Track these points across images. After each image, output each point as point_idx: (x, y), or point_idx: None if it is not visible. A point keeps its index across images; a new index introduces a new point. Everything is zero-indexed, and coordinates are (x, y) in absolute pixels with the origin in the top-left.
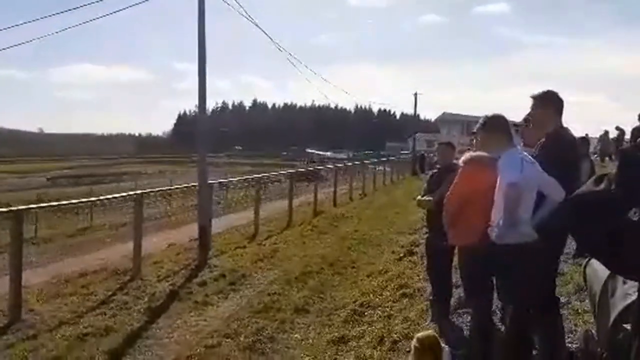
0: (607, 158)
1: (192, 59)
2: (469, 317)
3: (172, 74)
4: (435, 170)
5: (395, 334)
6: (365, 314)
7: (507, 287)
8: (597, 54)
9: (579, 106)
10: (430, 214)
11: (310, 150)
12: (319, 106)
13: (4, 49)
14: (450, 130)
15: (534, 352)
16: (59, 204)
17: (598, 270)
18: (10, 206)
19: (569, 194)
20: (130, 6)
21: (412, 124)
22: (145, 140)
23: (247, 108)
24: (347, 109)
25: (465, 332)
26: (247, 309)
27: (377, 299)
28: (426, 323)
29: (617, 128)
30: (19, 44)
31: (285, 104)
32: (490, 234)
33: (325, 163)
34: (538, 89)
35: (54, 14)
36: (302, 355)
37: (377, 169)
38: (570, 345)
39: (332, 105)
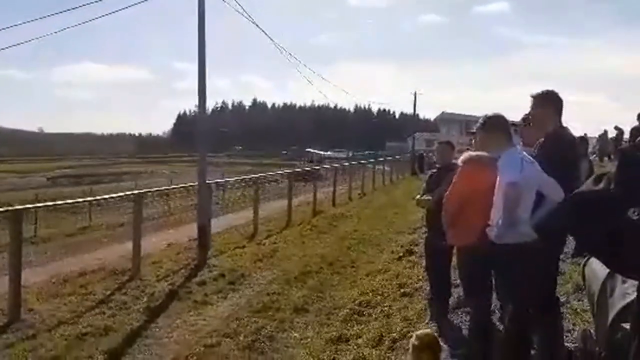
0: (605, 158)
1: (192, 59)
2: (468, 317)
3: (172, 73)
4: (434, 170)
5: (395, 333)
6: (365, 313)
7: (507, 286)
8: (597, 54)
9: (578, 106)
10: (429, 213)
11: (310, 150)
12: (318, 106)
13: (3, 48)
14: (449, 129)
15: (533, 352)
16: (58, 204)
17: (597, 270)
18: (11, 206)
19: (569, 194)
20: (130, 6)
21: (411, 123)
22: (145, 140)
23: (247, 108)
24: (347, 108)
25: (464, 332)
26: (247, 308)
27: (377, 299)
28: (425, 322)
29: (616, 128)
30: (19, 44)
31: (285, 104)
32: (490, 234)
33: (323, 163)
34: (538, 89)
35: (53, 14)
36: (301, 354)
37: (376, 168)
38: (568, 344)
39: (332, 105)
